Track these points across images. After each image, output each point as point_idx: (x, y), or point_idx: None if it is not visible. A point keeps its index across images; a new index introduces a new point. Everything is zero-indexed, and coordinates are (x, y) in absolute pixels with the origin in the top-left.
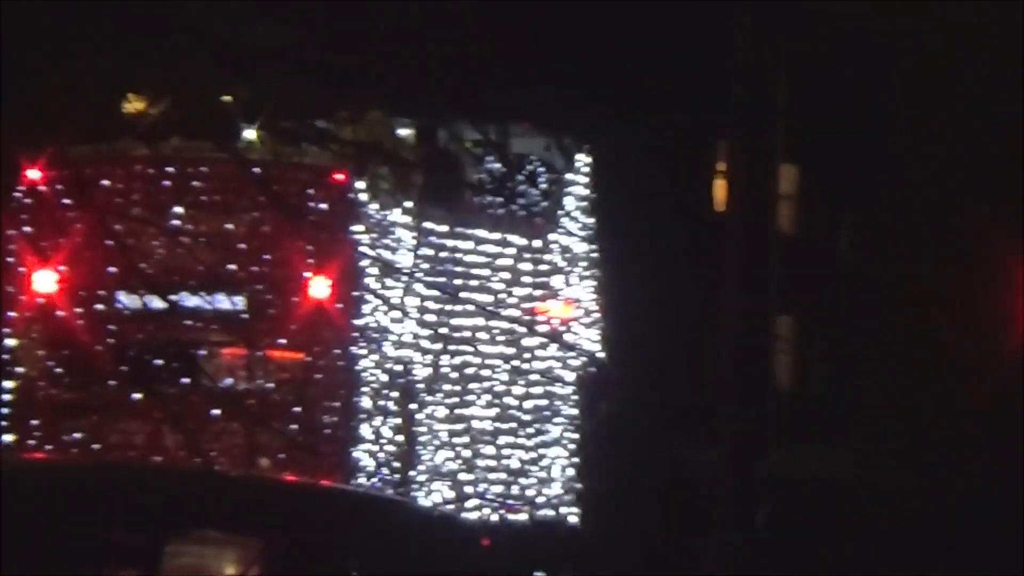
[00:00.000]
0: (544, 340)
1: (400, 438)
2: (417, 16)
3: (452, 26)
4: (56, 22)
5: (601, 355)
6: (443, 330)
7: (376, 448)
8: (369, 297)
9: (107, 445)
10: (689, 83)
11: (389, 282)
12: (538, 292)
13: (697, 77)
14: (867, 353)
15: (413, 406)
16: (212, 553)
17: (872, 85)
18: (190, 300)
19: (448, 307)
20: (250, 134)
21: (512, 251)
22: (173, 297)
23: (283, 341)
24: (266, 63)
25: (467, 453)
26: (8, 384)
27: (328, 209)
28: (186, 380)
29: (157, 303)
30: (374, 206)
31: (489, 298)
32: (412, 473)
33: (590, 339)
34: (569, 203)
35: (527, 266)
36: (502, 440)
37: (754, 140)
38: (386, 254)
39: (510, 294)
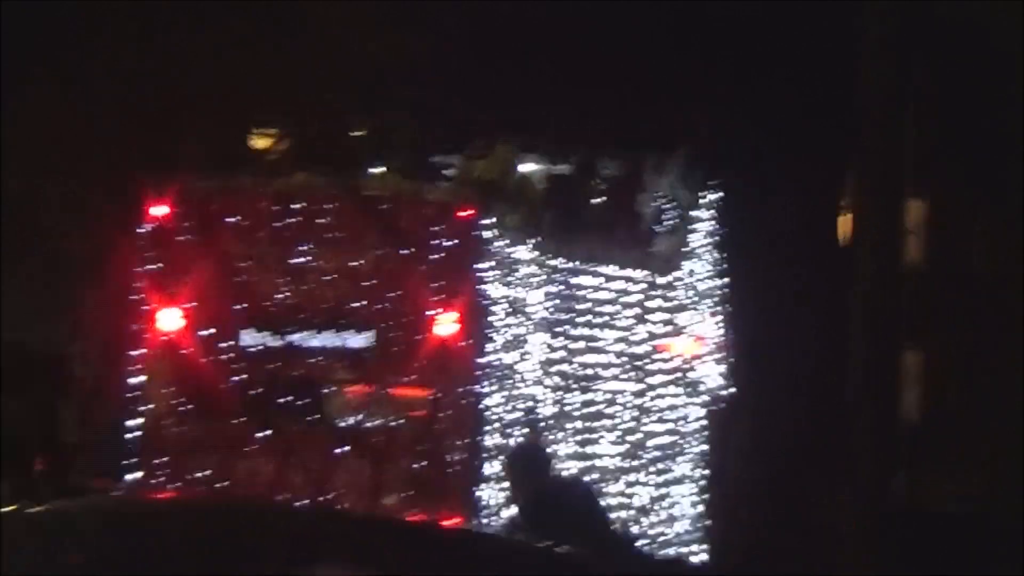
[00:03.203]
0: (671, 376)
1: None
2: (542, 53)
3: (579, 63)
4: (183, 58)
5: (728, 391)
6: (569, 367)
7: (501, 486)
8: (495, 334)
9: (232, 482)
10: (815, 118)
11: (516, 319)
12: (665, 328)
13: (824, 111)
14: (997, 388)
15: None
16: None
17: (1004, 119)
18: (316, 337)
19: (574, 344)
20: (376, 169)
21: (639, 287)
22: (299, 334)
23: (409, 378)
24: (392, 99)
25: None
26: (134, 422)
27: (454, 245)
28: (311, 417)
29: (282, 340)
30: (501, 242)
31: (616, 334)
32: None
33: (717, 375)
34: (696, 239)
35: (654, 302)
36: (628, 477)
37: (881, 174)
38: (513, 291)
39: (637, 331)
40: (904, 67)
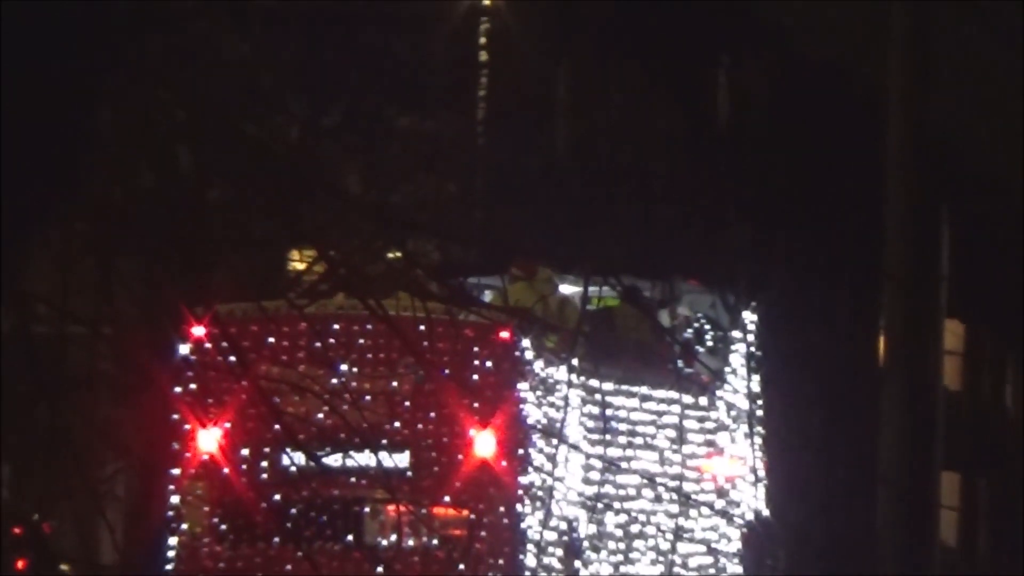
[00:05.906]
0: (708, 497)
1: None
2: (582, 178)
3: (621, 189)
4: (224, 184)
5: (766, 513)
6: (608, 488)
7: None
8: (534, 454)
9: None
10: (851, 241)
11: (554, 440)
12: (703, 450)
13: (859, 236)
14: None
15: (577, 564)
16: None
17: None
18: (353, 458)
19: (612, 464)
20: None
21: (678, 408)
22: (337, 455)
23: (447, 498)
24: (432, 224)
25: None
26: (172, 541)
27: (493, 367)
28: (350, 538)
29: (320, 461)
30: (539, 364)
31: (654, 455)
32: None
33: (755, 496)
34: (735, 360)
35: (693, 423)
36: None
37: (915, 296)
38: (551, 412)
39: (676, 451)
40: (938, 191)
